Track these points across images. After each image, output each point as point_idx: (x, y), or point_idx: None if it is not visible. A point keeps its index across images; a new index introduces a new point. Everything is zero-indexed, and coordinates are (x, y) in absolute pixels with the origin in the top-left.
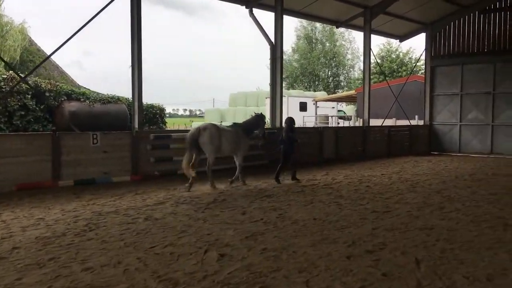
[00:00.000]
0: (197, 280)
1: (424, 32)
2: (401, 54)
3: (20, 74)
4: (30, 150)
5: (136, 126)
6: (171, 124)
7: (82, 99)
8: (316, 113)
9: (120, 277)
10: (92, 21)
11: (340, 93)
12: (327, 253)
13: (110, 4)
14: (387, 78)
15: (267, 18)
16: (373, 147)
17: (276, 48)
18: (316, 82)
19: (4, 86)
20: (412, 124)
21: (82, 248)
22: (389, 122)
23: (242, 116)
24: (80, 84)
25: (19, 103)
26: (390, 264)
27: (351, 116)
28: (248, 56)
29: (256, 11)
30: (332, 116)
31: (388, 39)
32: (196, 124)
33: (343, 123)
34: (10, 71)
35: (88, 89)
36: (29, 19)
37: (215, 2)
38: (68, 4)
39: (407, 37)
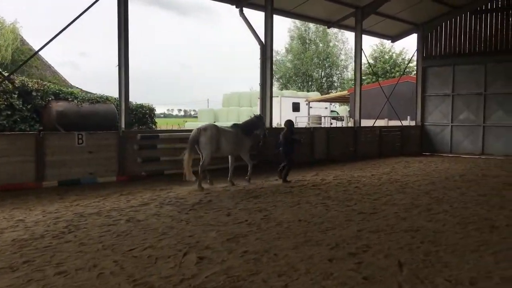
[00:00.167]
0: (172, 285)
1: (416, 32)
2: (394, 54)
3: (3, 73)
4: (13, 151)
5: (123, 126)
6: (164, 124)
7: (70, 99)
8: (308, 114)
9: (93, 281)
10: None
11: (333, 94)
12: (309, 255)
13: (102, 4)
14: (380, 79)
15: (258, 17)
16: (364, 148)
17: (266, 48)
18: (310, 83)
19: None
20: (404, 124)
21: (59, 250)
22: (381, 122)
23: (235, 116)
24: (73, 84)
25: (5, 103)
26: (372, 267)
27: (343, 117)
28: (243, 56)
29: (247, 11)
30: (325, 117)
31: (381, 39)
32: (189, 124)
33: (336, 124)
34: None
35: (80, 89)
36: (22, 19)
37: (208, 2)
38: (61, 4)
39: (399, 37)
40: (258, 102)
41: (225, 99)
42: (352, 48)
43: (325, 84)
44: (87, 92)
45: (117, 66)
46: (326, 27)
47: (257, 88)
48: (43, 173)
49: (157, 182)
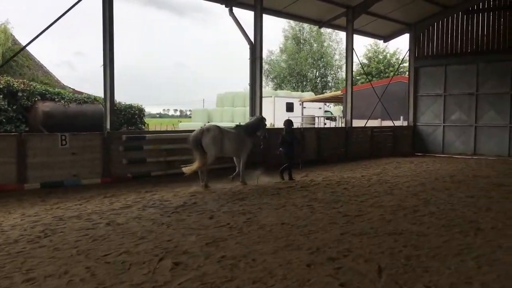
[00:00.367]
0: None
1: (408, 32)
2: (388, 54)
3: None
4: None
5: (108, 127)
6: (158, 125)
7: (56, 99)
8: (302, 114)
9: None
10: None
11: (327, 94)
12: (287, 260)
13: (83, 1)
14: (374, 79)
15: (250, 17)
16: (356, 148)
17: (255, 48)
18: (304, 83)
19: None
20: (396, 125)
21: (31, 256)
22: (374, 123)
23: (229, 116)
24: (66, 84)
25: None
26: (351, 272)
27: (335, 117)
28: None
29: (237, 10)
30: (318, 117)
31: (376, 39)
32: (183, 124)
33: (329, 124)
34: None
35: (73, 89)
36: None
37: (202, 2)
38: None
39: (391, 37)
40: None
41: (219, 99)
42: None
43: (320, 84)
44: (75, 93)
45: (102, 66)
46: (318, 26)
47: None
48: (25, 175)
49: (143, 184)
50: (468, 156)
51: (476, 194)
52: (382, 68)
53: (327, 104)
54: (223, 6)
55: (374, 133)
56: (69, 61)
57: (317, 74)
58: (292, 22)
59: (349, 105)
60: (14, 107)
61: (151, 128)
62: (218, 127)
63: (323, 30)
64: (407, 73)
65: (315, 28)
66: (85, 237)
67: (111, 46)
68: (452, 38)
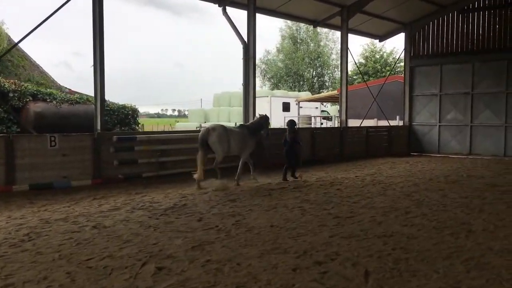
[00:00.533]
0: None
1: (403, 32)
2: (385, 54)
3: None
4: None
5: (99, 127)
6: (155, 125)
7: (48, 100)
8: (298, 114)
9: None
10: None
11: (323, 93)
12: (273, 265)
13: (77, 0)
14: (371, 78)
15: (244, 17)
16: (351, 148)
17: (249, 48)
18: (301, 82)
19: None
20: (392, 124)
21: (12, 261)
22: (370, 122)
23: (226, 116)
24: (62, 84)
25: None
26: (337, 277)
27: (331, 116)
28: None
29: (230, 10)
30: (315, 117)
31: (372, 39)
32: (180, 124)
33: (326, 123)
34: None
35: (69, 89)
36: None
37: (198, 2)
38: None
39: (387, 37)
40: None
41: (215, 99)
42: None
43: (316, 83)
44: (71, 93)
45: (92, 66)
46: (313, 26)
47: None
48: (13, 176)
49: (134, 186)
50: (464, 156)
51: (469, 195)
52: (379, 67)
53: (324, 103)
54: (217, 5)
55: (369, 133)
56: (67, 62)
57: (314, 73)
58: (289, 22)
59: (344, 105)
60: (5, 108)
61: (149, 128)
62: (223, 126)
63: (319, 29)
64: (403, 72)
65: (312, 27)
66: (70, 240)
67: (101, 46)
68: (447, 37)
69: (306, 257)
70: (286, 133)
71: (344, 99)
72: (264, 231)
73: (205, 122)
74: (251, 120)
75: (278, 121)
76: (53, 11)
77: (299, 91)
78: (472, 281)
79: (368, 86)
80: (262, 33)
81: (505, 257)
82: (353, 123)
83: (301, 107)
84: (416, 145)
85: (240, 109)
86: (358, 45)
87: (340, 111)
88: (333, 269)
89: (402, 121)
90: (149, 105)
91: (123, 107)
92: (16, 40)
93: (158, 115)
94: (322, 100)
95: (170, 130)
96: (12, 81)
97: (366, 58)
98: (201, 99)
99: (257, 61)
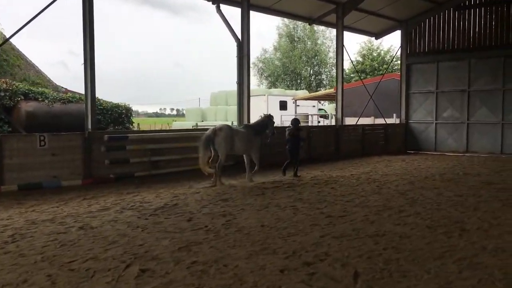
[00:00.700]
0: None
1: (399, 29)
2: (382, 52)
3: None
4: None
5: (89, 126)
6: (153, 124)
7: (40, 99)
8: (295, 112)
9: None
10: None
11: (320, 92)
12: (260, 266)
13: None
14: (368, 76)
15: (238, 14)
16: (347, 147)
17: (243, 45)
18: (298, 81)
19: None
20: (389, 122)
21: None
22: (367, 120)
23: (223, 115)
24: (58, 83)
25: None
26: (326, 278)
27: (328, 115)
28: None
29: (225, 8)
30: (312, 115)
31: (368, 37)
32: (177, 123)
33: (323, 122)
34: None
35: (65, 88)
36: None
37: (195, 1)
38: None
39: (383, 34)
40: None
41: (212, 98)
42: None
43: (314, 82)
44: (67, 92)
45: (83, 64)
46: (314, 25)
47: None
48: (2, 176)
49: (125, 185)
50: (461, 154)
51: (465, 193)
52: (376, 65)
53: (322, 102)
54: (210, 3)
55: (365, 131)
56: (63, 61)
57: (311, 72)
58: (286, 20)
59: (339, 103)
60: None
61: (146, 127)
62: (229, 126)
63: (316, 27)
64: (399, 70)
65: (309, 25)
66: (54, 242)
67: (92, 44)
68: (443, 34)
69: (295, 257)
70: (289, 131)
71: (340, 97)
72: (254, 231)
73: (202, 121)
74: (245, 119)
75: (275, 119)
76: (44, 7)
77: (296, 89)
78: (464, 281)
79: (365, 84)
80: (260, 31)
81: (499, 256)
82: (350, 121)
83: (298, 105)
84: (412, 143)
85: (236, 108)
86: (355, 43)
87: (336, 109)
88: (321, 270)
89: (398, 119)
90: (148, 104)
91: (117, 106)
92: (12, 41)
93: (156, 115)
94: (319, 99)
95: (165, 129)
96: (3, 80)
97: (363, 56)
98: (199, 98)
99: (254, 60)
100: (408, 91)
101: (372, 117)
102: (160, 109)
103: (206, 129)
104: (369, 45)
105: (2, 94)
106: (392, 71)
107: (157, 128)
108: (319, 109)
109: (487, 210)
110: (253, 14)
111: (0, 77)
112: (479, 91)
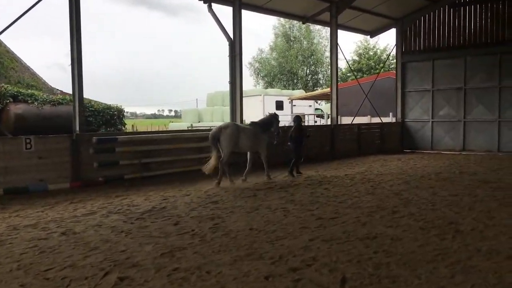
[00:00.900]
0: None
1: (394, 27)
2: (378, 51)
3: None
4: None
5: (77, 128)
6: (149, 125)
7: (30, 101)
8: (292, 112)
9: None
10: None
11: (316, 91)
12: (244, 272)
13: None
14: (365, 75)
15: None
16: (342, 146)
17: (235, 45)
18: (295, 81)
19: None
20: (385, 121)
21: None
22: (363, 119)
23: (219, 116)
24: (53, 86)
25: None
26: (311, 285)
27: (324, 114)
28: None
29: (216, 7)
30: (308, 115)
31: (363, 35)
32: (174, 125)
33: (320, 121)
34: None
35: (60, 91)
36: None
37: (193, 2)
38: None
39: (378, 32)
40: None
41: (209, 98)
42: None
43: (311, 81)
44: (63, 94)
45: (70, 65)
46: (309, 24)
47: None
48: None
49: (115, 188)
50: (457, 152)
51: (460, 192)
52: (372, 64)
53: (318, 101)
54: (201, 2)
55: (361, 130)
56: (60, 63)
57: (307, 71)
58: (282, 20)
59: (334, 102)
60: None
61: (143, 129)
62: (235, 124)
63: (312, 27)
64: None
65: (305, 25)
66: (33, 249)
67: (79, 45)
68: (439, 32)
69: (281, 263)
70: (292, 129)
71: (334, 96)
72: (241, 235)
73: (198, 122)
74: (238, 119)
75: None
76: (30, 6)
77: (293, 89)
78: (456, 287)
79: (362, 83)
80: (257, 31)
81: (493, 259)
82: (347, 120)
83: (295, 105)
84: (409, 142)
85: None
86: (352, 42)
87: (331, 108)
88: (308, 276)
89: (395, 118)
90: (145, 106)
91: (108, 107)
92: (6, 42)
93: (154, 116)
94: (315, 98)
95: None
96: None
97: (359, 55)
98: (196, 99)
99: (250, 60)
100: (403, 89)
101: (369, 116)
102: (158, 110)
103: (200, 130)
104: (366, 44)
105: None
106: (388, 70)
107: (153, 129)
108: (316, 109)
109: (483, 210)
110: (249, 14)
111: None
112: (475, 89)
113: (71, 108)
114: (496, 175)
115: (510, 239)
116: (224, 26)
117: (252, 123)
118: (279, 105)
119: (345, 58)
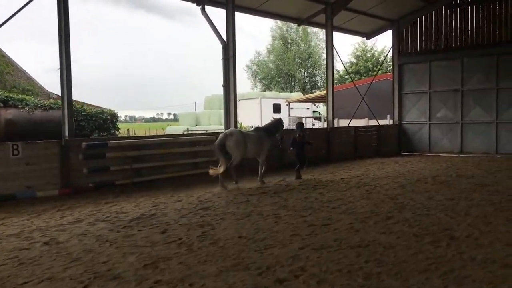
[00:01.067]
0: None
1: (390, 29)
2: (376, 53)
3: None
4: None
5: (66, 134)
6: (147, 129)
7: (20, 106)
8: (289, 115)
9: None
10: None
11: (313, 94)
12: (229, 285)
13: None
14: (363, 77)
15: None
16: (339, 149)
17: (228, 47)
18: (293, 83)
19: None
20: (383, 123)
21: None
22: (361, 122)
23: (217, 119)
24: (49, 90)
25: None
26: None
27: (321, 117)
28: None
29: (210, 9)
30: (306, 117)
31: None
32: (171, 128)
33: (317, 124)
34: None
35: (57, 95)
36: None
37: (190, 5)
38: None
39: (374, 34)
40: (239, 104)
41: (206, 101)
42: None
43: (308, 84)
44: (39, 99)
45: (59, 70)
46: (297, 25)
47: (238, 90)
48: None
49: (105, 195)
50: (455, 155)
51: (456, 196)
52: (370, 66)
53: (317, 104)
54: (195, 4)
55: (358, 133)
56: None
57: (305, 74)
58: (279, 22)
59: (330, 104)
60: None
61: (141, 133)
62: (240, 131)
63: (310, 29)
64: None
65: (302, 27)
66: (13, 260)
67: (67, 49)
68: (436, 33)
69: (269, 274)
70: (296, 135)
71: (330, 99)
72: (229, 243)
73: (196, 125)
74: (232, 122)
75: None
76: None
77: (291, 91)
78: None
79: (359, 85)
80: (254, 34)
81: (488, 268)
82: (344, 123)
83: (292, 108)
84: (406, 145)
85: None
86: (349, 44)
87: (327, 111)
88: None
89: (392, 120)
90: (145, 109)
91: (101, 112)
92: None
93: (153, 119)
94: (312, 101)
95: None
96: None
97: (357, 57)
98: (195, 102)
99: (248, 63)
100: (400, 91)
101: (366, 119)
102: (157, 114)
103: (193, 134)
104: (363, 46)
105: None
106: (386, 72)
107: (151, 134)
108: (314, 112)
109: (479, 215)
110: (246, 17)
111: None
112: (473, 90)
113: None
114: (494, 178)
115: (506, 247)
116: (219, 29)
117: (256, 129)
118: (277, 108)
119: (341, 61)
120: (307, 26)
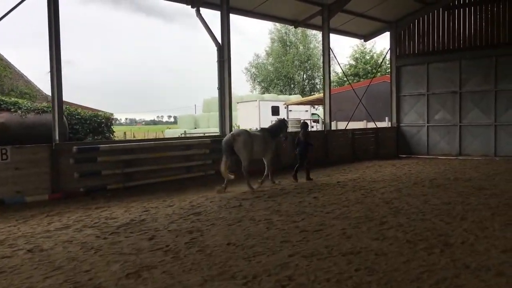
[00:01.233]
0: None
1: (388, 31)
2: (375, 55)
3: None
4: None
5: (57, 138)
6: (146, 132)
7: (13, 109)
8: (288, 117)
9: None
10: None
11: (311, 96)
12: None
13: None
14: (361, 79)
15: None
16: (336, 152)
17: (223, 50)
18: (292, 85)
19: None
20: (381, 126)
21: None
22: (359, 125)
23: (215, 121)
24: (48, 94)
25: None
26: None
27: (319, 119)
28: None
29: (206, 12)
30: (304, 120)
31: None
32: (170, 131)
33: (316, 127)
34: None
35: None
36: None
37: (189, 9)
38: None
39: (371, 36)
40: (238, 106)
41: (205, 104)
42: (333, 49)
43: (307, 86)
44: (32, 102)
45: (49, 73)
46: (294, 27)
47: (237, 92)
48: None
49: (96, 199)
50: (453, 157)
51: (453, 200)
52: (369, 68)
53: (316, 106)
54: (189, 7)
55: (355, 135)
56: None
57: (304, 76)
58: (278, 24)
59: (327, 107)
60: None
61: (140, 136)
62: (246, 131)
63: (308, 31)
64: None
65: (300, 29)
66: None
67: (58, 51)
68: (433, 35)
69: (254, 283)
70: (300, 135)
71: (327, 101)
72: (217, 250)
73: (194, 128)
74: (227, 125)
75: (267, 125)
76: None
77: (290, 94)
78: None
79: (357, 88)
80: (252, 36)
81: (482, 276)
82: (343, 125)
83: (291, 110)
84: (404, 147)
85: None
86: (348, 46)
87: (324, 113)
88: None
89: (390, 123)
90: (145, 112)
91: (96, 115)
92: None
93: (154, 122)
94: (311, 103)
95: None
96: None
97: (356, 59)
98: (195, 105)
99: (247, 65)
100: (398, 93)
101: (365, 121)
102: (158, 116)
103: (186, 138)
104: (362, 48)
105: None
106: (385, 74)
107: (150, 137)
108: (313, 114)
109: (475, 220)
110: (244, 20)
111: None
112: (471, 92)
113: None
114: (492, 181)
115: (502, 254)
116: (214, 32)
117: (262, 129)
118: (275, 111)
119: (338, 63)
120: (306, 29)
